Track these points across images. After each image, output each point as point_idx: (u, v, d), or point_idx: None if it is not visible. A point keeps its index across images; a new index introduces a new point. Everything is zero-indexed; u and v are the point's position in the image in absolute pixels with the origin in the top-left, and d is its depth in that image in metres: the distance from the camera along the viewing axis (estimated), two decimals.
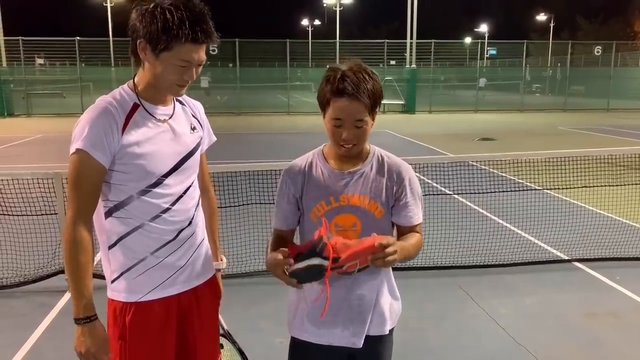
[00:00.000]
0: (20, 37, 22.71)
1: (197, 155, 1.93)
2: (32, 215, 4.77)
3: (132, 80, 1.82)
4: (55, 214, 4.49)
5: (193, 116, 1.96)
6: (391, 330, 1.96)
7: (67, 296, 4.34)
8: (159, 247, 1.82)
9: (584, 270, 4.91)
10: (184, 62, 1.70)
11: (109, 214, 1.79)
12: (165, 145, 1.81)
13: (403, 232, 1.89)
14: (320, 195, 1.84)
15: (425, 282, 4.60)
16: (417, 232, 1.89)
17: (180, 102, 1.93)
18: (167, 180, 1.81)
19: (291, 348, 1.99)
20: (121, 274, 1.82)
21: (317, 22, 67.32)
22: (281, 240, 1.90)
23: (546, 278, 4.76)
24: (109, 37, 32.35)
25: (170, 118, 1.84)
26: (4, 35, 22.62)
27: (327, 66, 1.85)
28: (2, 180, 4.77)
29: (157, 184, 1.79)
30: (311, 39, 46.86)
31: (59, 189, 4.34)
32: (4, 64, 22.49)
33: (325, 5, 53.83)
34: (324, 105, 1.82)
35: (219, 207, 2.25)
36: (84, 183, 1.71)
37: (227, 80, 25.93)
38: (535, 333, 3.78)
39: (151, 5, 1.67)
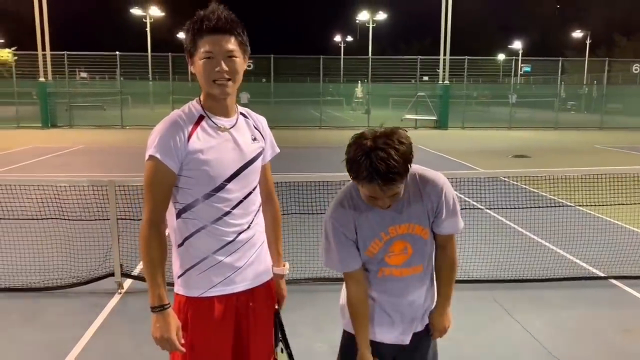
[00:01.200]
0: (65, 52, 23.72)
1: (257, 163, 2.09)
2: (86, 220, 5.04)
3: (199, 96, 2.02)
4: (107, 219, 4.74)
5: (255, 128, 2.14)
6: None
7: (117, 297, 4.58)
8: (219, 248, 1.98)
9: (621, 288, 4.90)
10: (207, 54, 1.90)
11: (179, 215, 1.98)
12: (227, 152, 1.98)
13: (442, 240, 2.09)
14: (372, 235, 1.99)
15: (462, 295, 4.63)
16: (453, 239, 2.10)
17: (244, 116, 2.12)
18: (229, 186, 1.97)
19: (345, 339, 2.18)
20: (186, 271, 2.00)
21: (349, 38, 68.04)
22: (363, 280, 2.05)
23: (582, 294, 4.79)
24: (147, 52, 33.43)
25: (232, 128, 2.02)
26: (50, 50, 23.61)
27: (352, 137, 1.82)
28: (60, 187, 5.08)
29: (220, 188, 1.95)
30: (343, 54, 47.35)
31: (112, 196, 4.59)
32: (49, 77, 23.43)
33: (357, 21, 54.30)
34: (352, 177, 1.83)
35: None
36: (157, 186, 1.91)
37: (262, 95, 26.40)
38: (572, 347, 3.83)
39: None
